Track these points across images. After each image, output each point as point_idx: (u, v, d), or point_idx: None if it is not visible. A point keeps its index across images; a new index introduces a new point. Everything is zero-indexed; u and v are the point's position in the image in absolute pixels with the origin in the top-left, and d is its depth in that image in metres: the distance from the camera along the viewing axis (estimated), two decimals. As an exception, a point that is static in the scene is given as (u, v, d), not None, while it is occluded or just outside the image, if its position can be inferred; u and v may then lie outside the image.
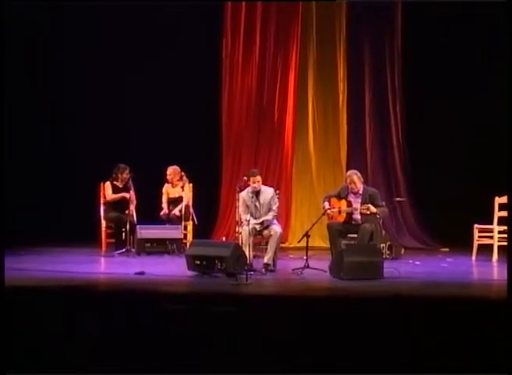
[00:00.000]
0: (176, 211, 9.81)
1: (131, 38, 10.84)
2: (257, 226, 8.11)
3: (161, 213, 9.87)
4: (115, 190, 9.85)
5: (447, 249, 10.39)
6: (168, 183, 10.09)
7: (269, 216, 8.18)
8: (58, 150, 11.01)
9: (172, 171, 10.02)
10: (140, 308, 5.58)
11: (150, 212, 9.84)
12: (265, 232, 8.11)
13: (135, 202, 9.76)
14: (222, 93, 11.31)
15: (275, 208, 8.26)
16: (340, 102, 11.18)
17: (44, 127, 10.92)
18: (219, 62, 11.24)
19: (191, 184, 10.05)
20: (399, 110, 11.08)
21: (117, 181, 9.89)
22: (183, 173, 9.93)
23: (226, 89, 11.32)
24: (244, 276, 7.00)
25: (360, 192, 8.37)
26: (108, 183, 9.89)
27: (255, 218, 8.13)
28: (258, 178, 8.19)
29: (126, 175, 9.82)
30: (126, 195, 9.68)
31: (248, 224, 7.86)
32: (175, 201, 9.98)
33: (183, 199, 9.79)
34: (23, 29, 10.46)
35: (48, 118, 10.97)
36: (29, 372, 4.62)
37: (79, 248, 9.89)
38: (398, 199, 10.62)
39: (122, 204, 9.74)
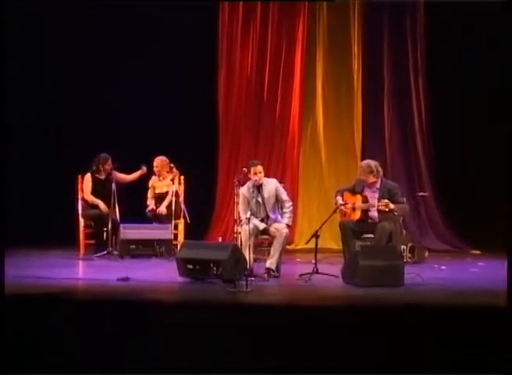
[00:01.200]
0: (163, 207, 9.82)
1: (123, 24, 10.91)
2: (261, 225, 8.10)
3: (147, 210, 9.89)
4: (97, 183, 9.86)
5: (478, 252, 10.39)
6: (155, 175, 10.10)
7: (288, 211, 8.17)
8: (32, 138, 11.03)
9: (159, 162, 10.02)
10: (123, 319, 5.58)
11: (135, 209, 9.85)
12: (272, 230, 8.10)
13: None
14: (219, 74, 11.32)
15: (286, 197, 8.25)
16: (355, 83, 11.17)
17: (26, 115, 10.99)
18: (215, 41, 11.25)
19: (183, 177, 10.06)
20: (422, 91, 11.07)
21: (99, 174, 9.92)
22: (171, 165, 9.92)
23: (223, 69, 11.33)
24: (244, 282, 7.01)
25: (378, 186, 8.36)
26: (88, 177, 9.90)
27: (256, 216, 8.12)
28: (260, 168, 8.16)
29: (108, 166, 9.86)
30: (102, 206, 9.68)
31: (248, 223, 7.84)
32: (163, 197, 9.98)
33: (170, 194, 9.79)
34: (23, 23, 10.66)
35: (30, 106, 11.04)
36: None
37: (52, 249, 9.91)
38: (421, 194, 10.60)
39: (103, 199, 9.72)
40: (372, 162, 8.46)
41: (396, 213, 8.21)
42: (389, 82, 11.11)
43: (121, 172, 9.98)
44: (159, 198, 10.01)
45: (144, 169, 10.06)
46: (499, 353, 4.86)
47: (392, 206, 8.09)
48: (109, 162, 9.88)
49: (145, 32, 11.00)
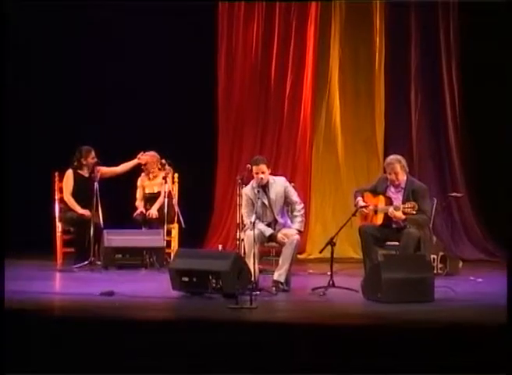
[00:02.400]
0: (154, 210, 9.83)
1: (122, 22, 11.07)
2: (267, 231, 8.09)
3: (135, 214, 9.91)
4: (80, 181, 9.87)
5: (520, 262, 10.39)
6: (143, 174, 10.11)
7: (299, 215, 8.16)
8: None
9: (148, 159, 10.04)
10: (108, 339, 5.59)
11: (121, 212, 9.86)
12: (280, 236, 8.09)
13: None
14: (218, 56, 11.35)
15: (297, 198, 8.24)
16: (376, 65, 11.16)
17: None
18: (215, 19, 11.29)
19: (177, 175, 10.07)
20: (455, 74, 11.03)
21: (81, 169, 9.94)
22: (163, 161, 9.93)
23: (223, 51, 11.37)
24: (248, 297, 7.01)
25: (403, 186, 8.33)
26: (69, 174, 9.90)
27: (262, 221, 8.12)
28: (263, 168, 8.09)
29: (91, 159, 9.87)
30: (80, 212, 9.70)
31: (253, 228, 7.84)
32: (154, 198, 10.00)
33: (162, 194, 9.80)
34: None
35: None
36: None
37: (25, 259, 9.92)
38: (454, 194, 10.58)
39: (85, 200, 9.72)
40: (400, 157, 8.45)
41: (404, 223, 8.11)
42: (416, 63, 11.05)
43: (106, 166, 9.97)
44: (150, 200, 10.03)
45: (142, 158, 10.03)
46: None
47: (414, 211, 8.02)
48: (92, 154, 9.88)
49: (144, 30, 11.17)
